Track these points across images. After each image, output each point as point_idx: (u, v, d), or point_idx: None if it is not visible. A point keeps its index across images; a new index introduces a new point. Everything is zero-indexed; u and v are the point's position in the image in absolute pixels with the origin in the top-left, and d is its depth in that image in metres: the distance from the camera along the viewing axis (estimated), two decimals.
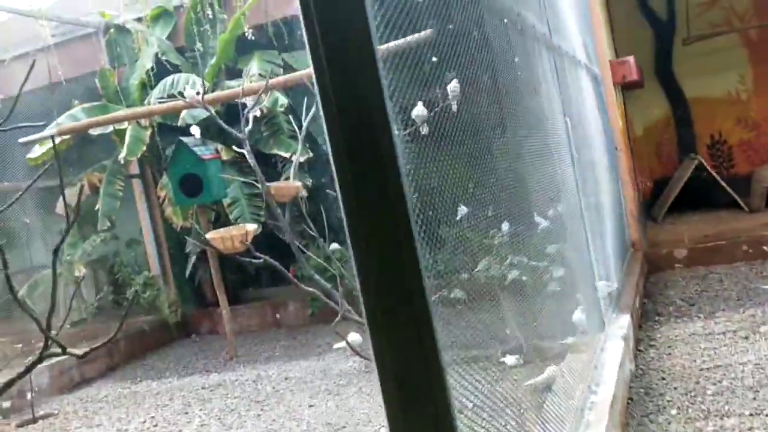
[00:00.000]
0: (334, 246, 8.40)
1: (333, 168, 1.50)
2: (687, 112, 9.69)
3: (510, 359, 3.78)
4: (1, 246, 3.58)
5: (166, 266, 9.14)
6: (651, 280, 6.55)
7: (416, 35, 2.25)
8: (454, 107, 3.05)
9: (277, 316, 8.71)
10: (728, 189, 8.15)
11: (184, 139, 6.95)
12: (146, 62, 8.29)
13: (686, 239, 7.10)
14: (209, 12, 8.05)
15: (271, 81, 5.70)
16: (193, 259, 8.79)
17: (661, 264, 6.93)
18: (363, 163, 1.51)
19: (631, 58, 7.24)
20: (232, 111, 7.88)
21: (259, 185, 6.12)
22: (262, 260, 5.79)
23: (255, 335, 8.33)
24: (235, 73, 8.33)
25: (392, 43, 1.78)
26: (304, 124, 6.37)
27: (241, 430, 4.61)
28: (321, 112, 1.49)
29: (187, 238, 7.83)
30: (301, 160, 7.60)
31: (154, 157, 8.42)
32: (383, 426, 3.39)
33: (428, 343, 1.56)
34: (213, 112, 5.90)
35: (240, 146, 6.05)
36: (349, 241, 1.51)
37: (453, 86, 3.15)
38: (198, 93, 5.84)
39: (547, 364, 3.45)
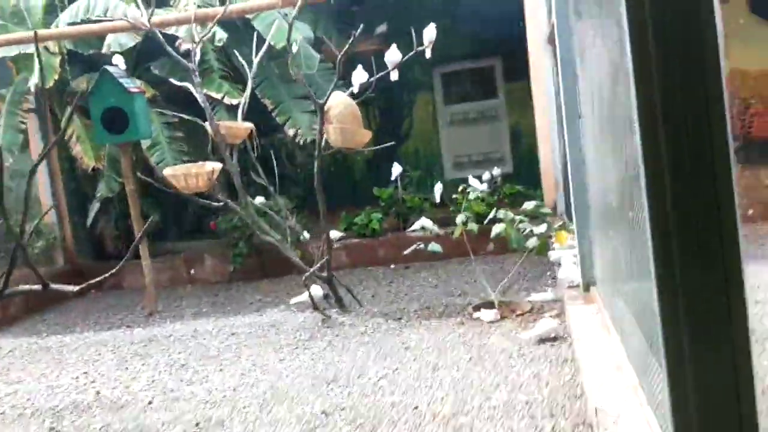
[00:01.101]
0: (260, 199, 7.99)
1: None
2: None
3: None
4: None
5: (62, 212, 8.24)
6: None
7: None
8: None
9: (192, 271, 8.13)
10: None
11: (109, 68, 6.20)
12: None
13: None
14: None
15: (232, 7, 5.16)
16: (96, 206, 8.00)
17: None
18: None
19: None
20: (150, 44, 7.20)
21: (206, 125, 5.60)
22: (222, 203, 5.28)
23: (169, 291, 7.73)
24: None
25: None
26: (255, 60, 5.88)
27: (207, 383, 4.18)
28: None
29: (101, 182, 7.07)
30: (235, 102, 7.11)
31: (57, 90, 7.50)
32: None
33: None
34: (161, 37, 5.28)
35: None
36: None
37: None
38: (142, 15, 5.19)
39: None
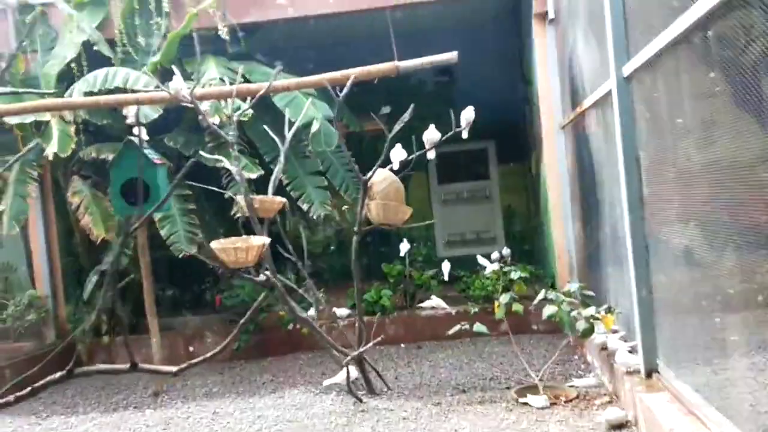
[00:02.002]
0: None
1: None
2: None
3: None
4: None
5: (57, 285, 7.90)
6: None
7: None
8: None
9: (191, 348, 7.81)
10: None
11: (134, 138, 6.09)
12: (68, 51, 7.28)
13: None
14: (152, 5, 7.28)
15: (277, 83, 5.17)
16: (94, 279, 7.70)
17: None
18: None
19: None
20: (167, 116, 7.15)
21: (238, 199, 5.51)
22: (265, 278, 5.13)
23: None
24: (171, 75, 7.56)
25: None
26: (288, 135, 5.86)
27: None
28: None
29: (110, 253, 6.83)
30: (253, 176, 7.05)
31: (63, 159, 7.32)
32: None
33: None
34: (202, 110, 5.23)
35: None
36: None
37: None
38: (184, 88, 5.16)
39: None
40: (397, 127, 5.28)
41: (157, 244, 7.63)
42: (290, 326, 7.53)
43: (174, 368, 2.84)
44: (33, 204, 7.67)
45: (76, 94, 6.88)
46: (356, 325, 5.58)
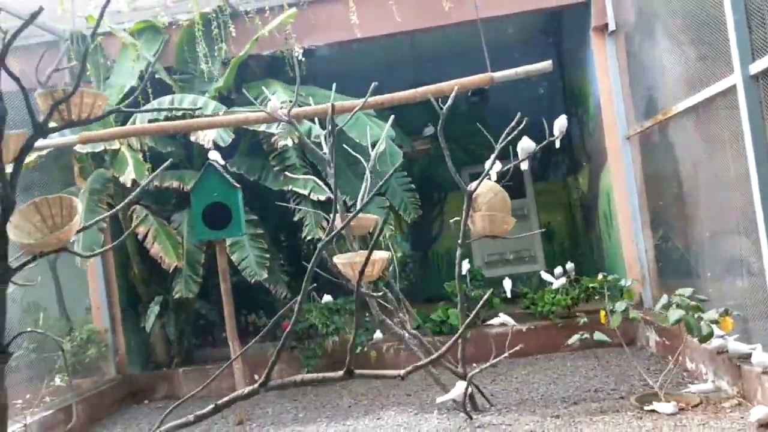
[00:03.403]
0: (328, 298, 7.73)
1: None
2: None
3: None
4: None
5: (115, 318, 7.72)
6: None
7: None
8: None
9: (255, 377, 7.63)
10: None
11: (214, 163, 6.03)
12: (127, 80, 7.22)
13: None
14: (215, 31, 7.26)
15: (373, 99, 5.14)
16: (156, 309, 7.55)
17: None
18: None
19: None
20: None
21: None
22: (381, 294, 5.05)
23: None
24: (230, 101, 7.53)
25: None
26: (373, 154, 5.82)
27: None
28: None
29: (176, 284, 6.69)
30: (323, 198, 6.99)
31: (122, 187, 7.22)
32: None
33: None
34: (299, 129, 5.19)
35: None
36: None
37: None
38: (282, 106, 5.12)
39: None
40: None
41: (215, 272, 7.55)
42: (359, 349, 7.44)
43: (401, 372, 2.73)
44: None
45: (139, 121, 6.83)
46: (460, 341, 5.47)
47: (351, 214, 5.47)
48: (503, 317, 7.09)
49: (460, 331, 3.10)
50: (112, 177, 6.78)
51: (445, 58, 9.02)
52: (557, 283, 7.64)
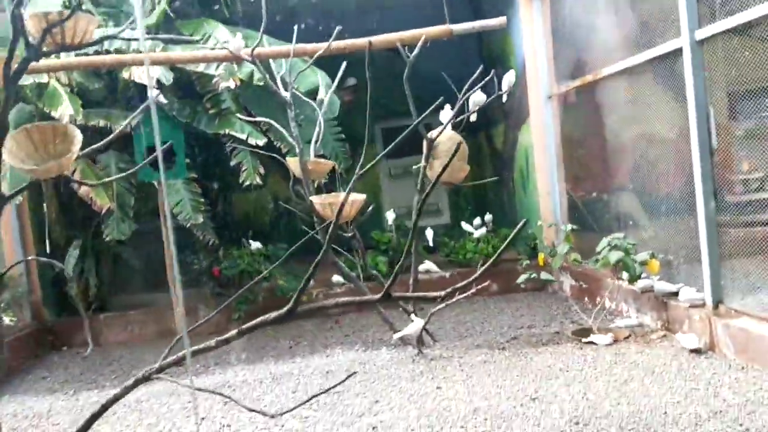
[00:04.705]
0: (257, 245, 7.76)
1: None
2: None
3: None
4: None
5: (30, 262, 7.32)
6: None
7: None
8: None
9: (177, 323, 7.55)
10: None
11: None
12: (49, 7, 6.74)
13: None
14: None
15: (336, 44, 5.20)
16: (75, 254, 7.25)
17: None
18: None
19: None
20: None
21: (288, 161, 5.48)
22: (351, 233, 5.17)
23: (166, 345, 7.09)
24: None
25: None
26: (326, 100, 5.88)
27: (401, 411, 4.07)
28: None
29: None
30: (261, 143, 6.96)
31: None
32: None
33: None
34: (261, 69, 5.15)
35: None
36: None
37: None
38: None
39: None
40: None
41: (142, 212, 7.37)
42: (288, 294, 7.54)
43: (441, 293, 2.88)
44: None
45: (64, 55, 6.44)
46: (411, 281, 5.75)
47: (313, 159, 5.58)
48: (428, 264, 7.46)
49: (489, 263, 3.27)
50: (37, 112, 6.37)
51: (386, 9, 9.09)
52: (478, 233, 8.10)
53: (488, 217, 8.38)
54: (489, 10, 8.83)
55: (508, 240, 2.80)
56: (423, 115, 3.50)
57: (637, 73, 5.56)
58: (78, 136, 3.34)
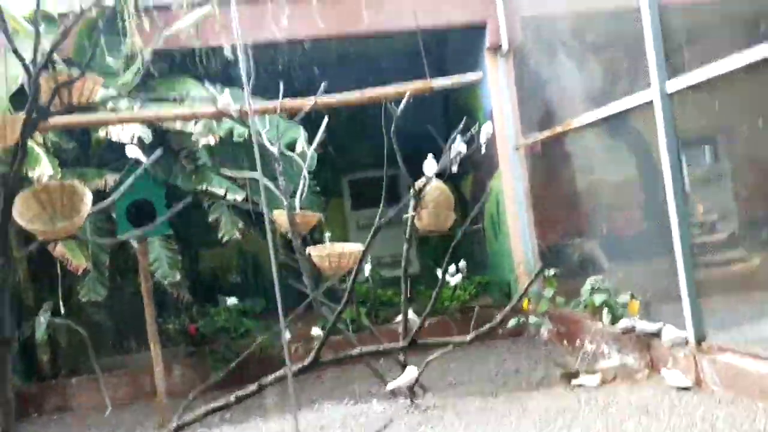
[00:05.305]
0: (233, 300, 7.72)
1: None
2: None
3: None
4: None
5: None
6: None
7: None
8: None
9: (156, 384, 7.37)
10: None
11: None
12: (20, 69, 6.73)
13: None
14: (120, 24, 7.00)
15: (324, 98, 5.34)
16: (46, 316, 7.06)
17: None
18: None
19: None
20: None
21: (275, 214, 5.52)
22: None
23: (140, 407, 6.94)
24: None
25: None
26: (309, 152, 5.99)
27: None
28: None
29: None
30: (239, 198, 7.00)
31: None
32: None
33: None
34: (248, 125, 5.25)
35: None
36: None
37: None
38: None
39: None
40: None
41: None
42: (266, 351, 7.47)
43: (466, 337, 2.92)
44: None
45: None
46: (401, 329, 5.78)
47: (300, 212, 5.64)
48: (411, 314, 7.53)
49: (509, 306, 3.37)
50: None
51: (359, 64, 9.32)
52: (454, 280, 8.21)
53: (462, 264, 8.50)
54: (455, 64, 9.16)
55: (528, 284, 2.90)
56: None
57: (607, 123, 5.85)
58: (88, 194, 3.36)
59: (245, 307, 7.63)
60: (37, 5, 2.92)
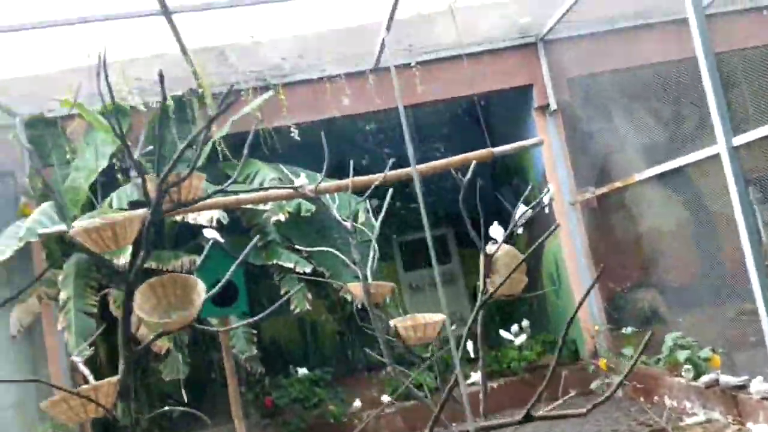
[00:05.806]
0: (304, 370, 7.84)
1: None
2: None
3: None
4: None
5: None
6: None
7: None
8: None
9: None
10: None
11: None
12: (98, 162, 7.14)
13: None
14: (189, 112, 7.40)
15: (392, 173, 5.55)
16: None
17: None
18: None
19: None
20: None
21: (349, 286, 5.68)
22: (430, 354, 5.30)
23: None
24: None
25: None
26: (377, 225, 6.17)
27: None
28: None
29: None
30: (308, 270, 7.18)
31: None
32: None
33: None
34: (322, 203, 5.47)
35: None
36: None
37: None
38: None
39: None
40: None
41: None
42: (340, 419, 7.55)
43: (582, 410, 3.02)
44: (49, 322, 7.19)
45: (116, 202, 6.76)
46: (481, 396, 5.81)
47: (374, 282, 5.78)
48: (475, 376, 7.56)
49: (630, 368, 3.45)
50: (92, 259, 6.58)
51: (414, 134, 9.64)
52: (519, 340, 8.23)
53: (525, 323, 8.54)
54: (502, 124, 9.40)
55: (642, 345, 2.97)
56: None
57: (672, 176, 5.95)
58: (201, 285, 3.56)
59: (315, 376, 7.73)
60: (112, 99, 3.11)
